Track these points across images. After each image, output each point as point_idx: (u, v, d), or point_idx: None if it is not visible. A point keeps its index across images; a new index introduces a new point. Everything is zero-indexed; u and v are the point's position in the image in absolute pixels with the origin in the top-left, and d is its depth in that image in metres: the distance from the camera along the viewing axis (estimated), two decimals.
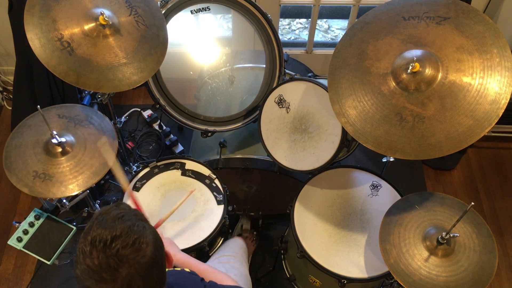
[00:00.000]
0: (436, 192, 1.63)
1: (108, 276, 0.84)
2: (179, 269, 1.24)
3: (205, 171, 1.89)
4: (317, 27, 3.10)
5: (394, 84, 1.40)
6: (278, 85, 1.81)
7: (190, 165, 1.91)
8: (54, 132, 1.59)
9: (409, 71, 1.35)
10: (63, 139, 1.63)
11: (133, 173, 1.90)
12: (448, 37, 1.36)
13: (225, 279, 1.31)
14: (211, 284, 1.18)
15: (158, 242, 0.92)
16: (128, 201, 1.63)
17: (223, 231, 1.92)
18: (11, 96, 2.81)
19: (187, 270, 1.26)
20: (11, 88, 2.78)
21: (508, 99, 1.28)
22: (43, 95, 2.23)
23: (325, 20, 3.52)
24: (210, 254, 1.86)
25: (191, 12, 1.88)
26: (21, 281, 2.28)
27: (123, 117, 2.78)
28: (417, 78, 1.35)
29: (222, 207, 1.79)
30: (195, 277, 1.21)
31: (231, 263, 1.71)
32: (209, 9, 1.89)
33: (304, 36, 3.38)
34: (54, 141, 1.60)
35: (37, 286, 2.24)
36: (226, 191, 1.84)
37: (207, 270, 1.34)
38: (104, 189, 2.52)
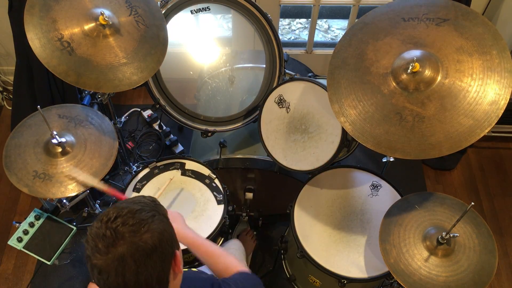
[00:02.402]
0: (436, 192, 1.63)
1: (102, 247, 0.86)
2: (186, 269, 1.24)
3: (205, 171, 1.89)
4: (317, 27, 3.10)
5: (394, 84, 1.40)
6: (278, 85, 1.81)
7: (189, 165, 1.91)
8: (54, 132, 1.59)
9: (409, 71, 1.35)
10: (63, 139, 1.63)
11: (133, 173, 1.91)
12: (448, 38, 1.36)
13: (235, 263, 1.28)
14: (221, 282, 1.17)
15: (165, 236, 0.92)
16: None
17: (223, 231, 1.93)
18: (11, 96, 2.82)
19: (194, 270, 1.26)
20: (11, 88, 2.78)
21: (508, 100, 1.28)
22: (43, 95, 2.23)
23: (325, 20, 3.52)
24: None
25: (191, 12, 1.88)
26: (21, 281, 2.28)
27: (123, 117, 2.78)
28: (417, 78, 1.35)
29: (222, 207, 1.80)
30: (206, 276, 1.20)
31: None
32: (209, 9, 1.89)
33: (304, 36, 3.38)
34: (54, 141, 1.60)
35: (37, 286, 2.24)
36: (226, 191, 1.84)
37: (215, 253, 1.31)
38: None
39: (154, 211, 0.93)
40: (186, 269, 1.24)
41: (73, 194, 1.61)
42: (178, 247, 1.00)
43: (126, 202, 0.94)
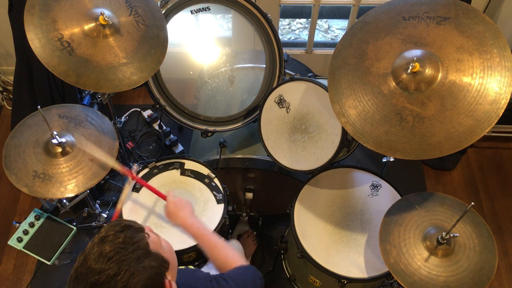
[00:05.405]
0: (436, 192, 1.63)
1: None
2: (183, 267, 1.24)
3: (204, 171, 1.89)
4: (317, 27, 3.10)
5: (394, 84, 1.40)
6: (278, 85, 1.81)
7: (189, 164, 1.91)
8: (55, 132, 1.59)
9: (409, 71, 1.35)
10: (63, 139, 1.63)
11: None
12: (448, 37, 1.36)
13: (236, 257, 1.30)
14: (218, 278, 1.17)
15: (149, 283, 0.87)
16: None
17: (223, 231, 1.92)
18: (11, 96, 2.82)
19: (191, 267, 1.26)
20: (11, 88, 2.78)
21: (508, 99, 1.28)
22: (43, 95, 2.23)
23: (325, 20, 3.52)
24: None
25: (191, 12, 1.88)
26: (21, 281, 2.28)
27: (123, 117, 2.78)
28: (417, 78, 1.35)
29: (222, 206, 1.79)
30: (203, 274, 1.21)
31: None
32: (209, 9, 1.89)
33: (304, 36, 3.38)
34: (54, 141, 1.60)
35: (37, 286, 2.24)
36: (226, 191, 1.84)
37: (218, 245, 1.32)
38: (104, 189, 2.52)
39: (134, 260, 0.85)
40: (183, 267, 1.24)
41: (73, 194, 1.61)
42: (167, 269, 0.93)
43: (103, 249, 0.84)
